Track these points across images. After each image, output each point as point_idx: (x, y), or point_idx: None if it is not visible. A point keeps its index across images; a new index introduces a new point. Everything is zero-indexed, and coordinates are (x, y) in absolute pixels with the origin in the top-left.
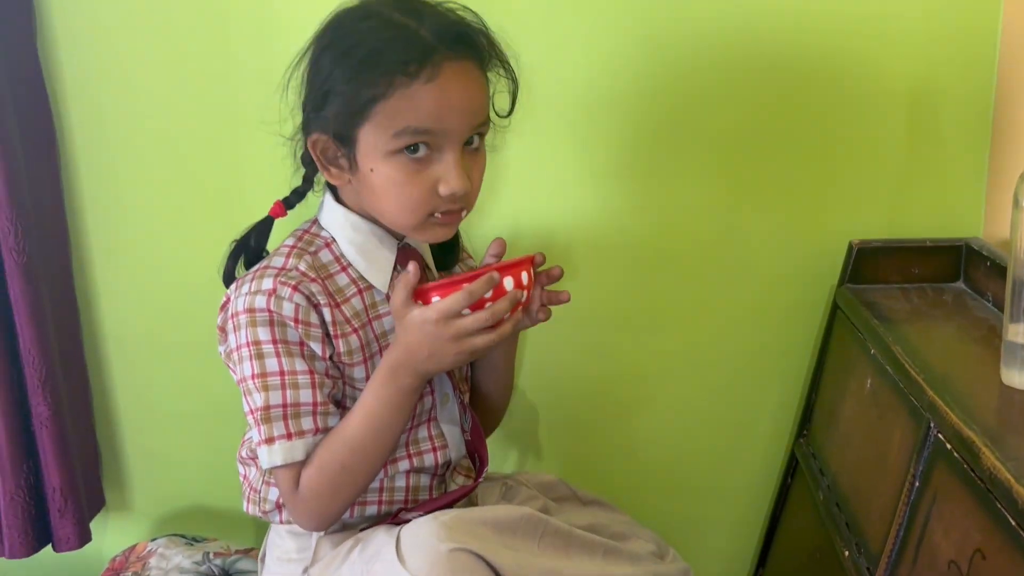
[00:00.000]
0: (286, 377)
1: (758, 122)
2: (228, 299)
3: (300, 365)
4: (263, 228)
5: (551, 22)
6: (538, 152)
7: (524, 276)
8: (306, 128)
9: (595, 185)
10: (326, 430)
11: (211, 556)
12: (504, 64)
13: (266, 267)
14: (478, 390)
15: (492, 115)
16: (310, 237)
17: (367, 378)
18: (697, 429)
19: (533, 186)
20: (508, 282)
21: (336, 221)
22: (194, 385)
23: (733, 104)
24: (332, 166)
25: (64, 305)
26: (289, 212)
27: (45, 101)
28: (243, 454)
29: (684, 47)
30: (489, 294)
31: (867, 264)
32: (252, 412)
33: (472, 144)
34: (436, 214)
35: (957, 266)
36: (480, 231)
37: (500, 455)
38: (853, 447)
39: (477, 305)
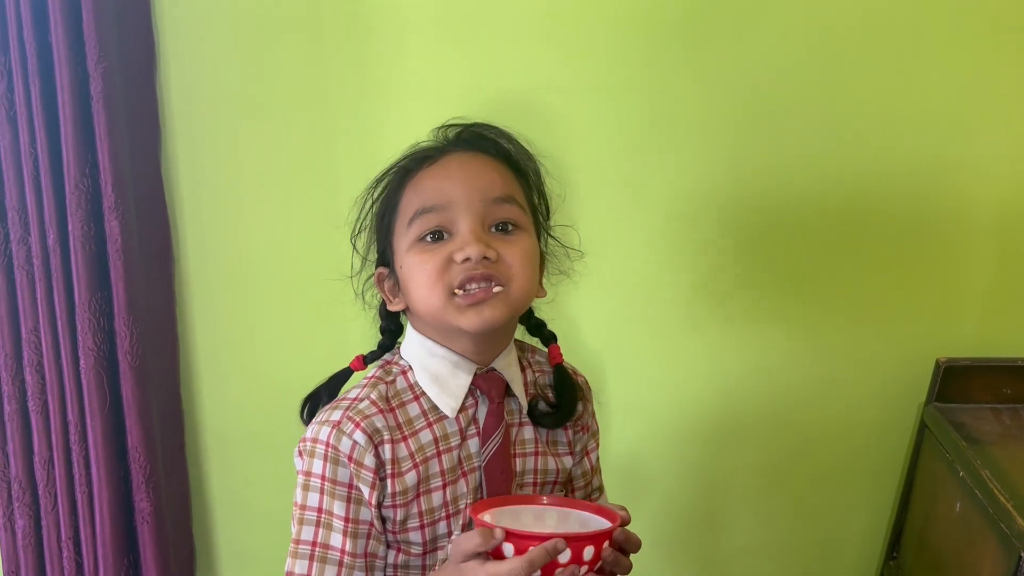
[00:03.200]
0: (322, 515)
1: (842, 237)
2: (308, 427)
3: (339, 509)
4: (339, 380)
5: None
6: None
7: (588, 551)
8: (373, 268)
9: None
10: None
11: None
12: (523, 162)
13: (343, 398)
14: None
15: (539, 220)
16: (390, 366)
17: (420, 514)
18: (782, 549)
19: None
20: (566, 555)
21: (413, 349)
22: (284, 488)
23: (819, 220)
24: (391, 294)
25: (169, 405)
26: None
27: (164, 217)
28: None
29: (776, 170)
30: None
31: (956, 383)
32: (292, 540)
33: (504, 229)
34: (459, 291)
35: None
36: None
37: None
38: (945, 572)
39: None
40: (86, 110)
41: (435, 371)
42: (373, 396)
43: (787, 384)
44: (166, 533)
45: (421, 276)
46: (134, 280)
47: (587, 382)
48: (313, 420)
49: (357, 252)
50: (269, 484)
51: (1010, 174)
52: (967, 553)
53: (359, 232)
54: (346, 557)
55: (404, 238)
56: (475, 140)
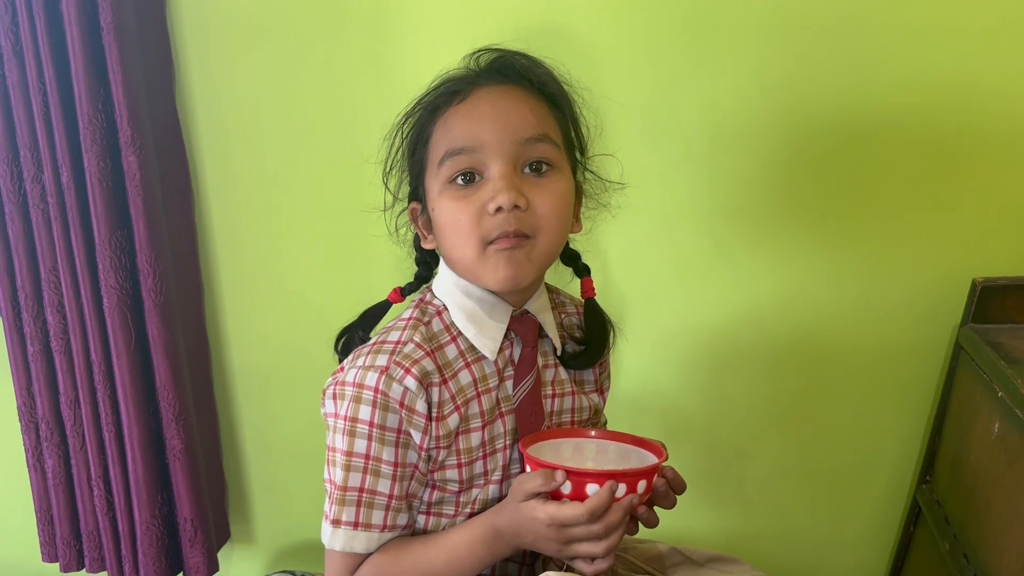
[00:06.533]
0: (370, 462)
1: (874, 156)
2: (342, 368)
3: (388, 455)
4: (376, 314)
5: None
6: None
7: (642, 484)
8: (406, 202)
9: (710, 223)
10: (394, 528)
11: None
12: (559, 96)
13: (383, 341)
14: None
15: (577, 156)
16: (425, 306)
17: (458, 453)
18: (814, 475)
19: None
20: (622, 489)
21: (447, 288)
22: (314, 422)
23: (853, 140)
24: (426, 230)
25: (196, 344)
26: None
27: (182, 151)
28: None
29: (805, 90)
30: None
31: (992, 302)
32: (330, 483)
33: (537, 170)
34: (494, 242)
35: None
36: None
37: None
38: (981, 495)
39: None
40: (96, 42)
41: (472, 311)
42: (417, 339)
43: (817, 309)
44: (198, 469)
45: (456, 226)
46: (155, 216)
47: (610, 317)
48: (351, 363)
49: (388, 190)
50: (297, 419)
51: None
52: (1006, 474)
53: (391, 169)
54: (393, 501)
55: (436, 179)
56: (507, 71)
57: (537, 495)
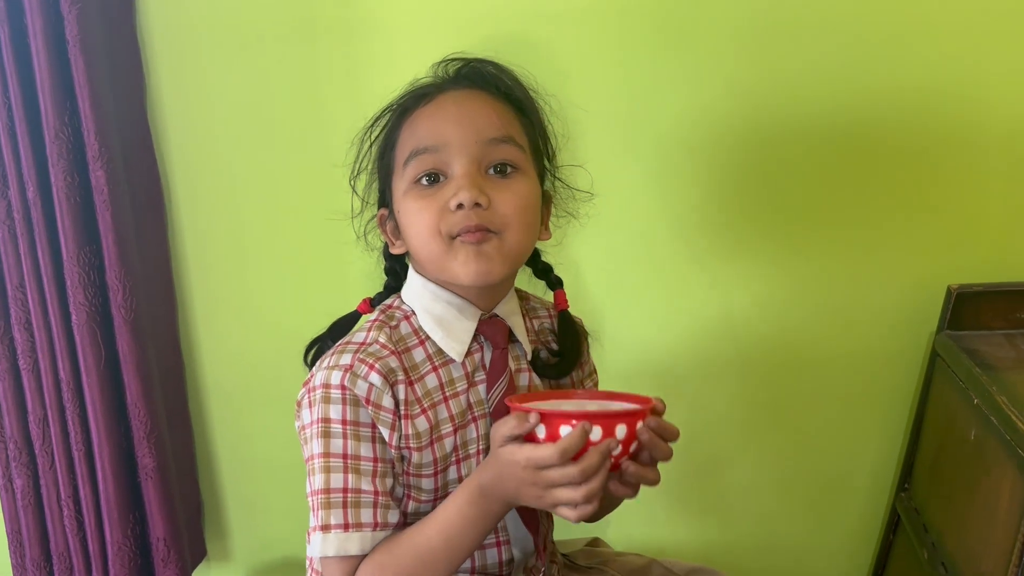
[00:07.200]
0: (349, 461)
1: (849, 163)
2: (311, 376)
3: (366, 451)
4: (346, 324)
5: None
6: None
7: (620, 429)
8: (375, 208)
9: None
10: (385, 526)
11: None
12: (525, 101)
13: (348, 343)
14: None
15: (545, 163)
16: (392, 311)
17: (434, 461)
18: (792, 483)
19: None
20: (596, 432)
21: (416, 292)
22: (290, 438)
23: (828, 146)
24: (394, 236)
25: (169, 360)
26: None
27: (153, 166)
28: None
29: (779, 97)
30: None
31: (968, 309)
32: (312, 495)
33: (502, 171)
34: (458, 236)
35: None
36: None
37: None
38: (958, 502)
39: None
40: (62, 55)
41: (439, 315)
42: (382, 339)
43: (793, 316)
44: (171, 488)
45: (420, 224)
46: (124, 231)
47: (583, 323)
48: (318, 367)
49: (356, 194)
50: (273, 434)
51: (1022, 94)
52: (982, 481)
53: (358, 173)
54: (380, 497)
55: (401, 180)
56: (474, 77)
57: (514, 439)
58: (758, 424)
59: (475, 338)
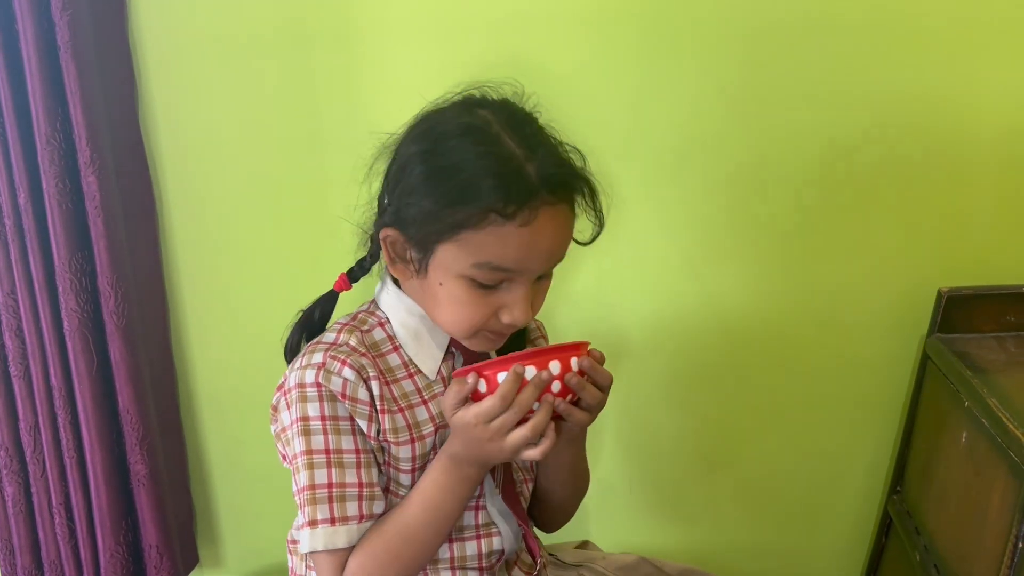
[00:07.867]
0: (332, 455)
1: (839, 167)
2: (284, 379)
3: (347, 444)
4: (328, 302)
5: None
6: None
7: (554, 364)
8: (381, 218)
9: (675, 240)
10: (371, 517)
11: None
12: (597, 212)
13: (317, 343)
14: (539, 483)
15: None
16: (364, 316)
17: (413, 458)
18: (784, 487)
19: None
20: (530, 371)
21: (392, 303)
22: None
23: (820, 152)
24: (400, 262)
25: (161, 367)
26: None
27: (145, 172)
28: (290, 539)
29: (771, 104)
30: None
31: (958, 313)
32: (299, 492)
33: (542, 276)
34: (488, 332)
35: None
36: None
37: (579, 519)
38: (950, 505)
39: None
40: (53, 61)
41: (415, 328)
42: (352, 342)
43: (785, 320)
44: (163, 495)
45: (462, 314)
46: (116, 237)
47: (541, 324)
48: (289, 369)
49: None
50: (265, 440)
51: (1012, 100)
52: (974, 484)
53: (393, 187)
54: (364, 489)
55: (458, 261)
56: (567, 188)
57: (461, 403)
58: (750, 428)
59: (448, 350)
